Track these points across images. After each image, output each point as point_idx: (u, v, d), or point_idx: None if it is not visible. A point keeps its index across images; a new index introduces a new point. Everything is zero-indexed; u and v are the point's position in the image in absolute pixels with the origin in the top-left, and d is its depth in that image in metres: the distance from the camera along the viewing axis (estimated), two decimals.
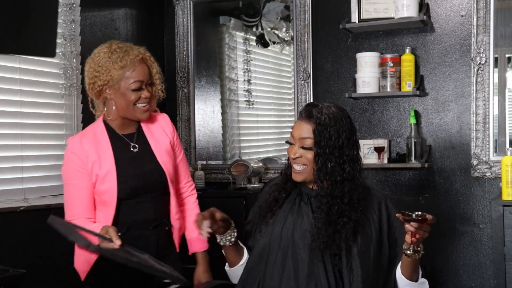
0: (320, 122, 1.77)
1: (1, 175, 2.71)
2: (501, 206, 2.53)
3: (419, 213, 1.61)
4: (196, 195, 2.29)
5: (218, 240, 1.80)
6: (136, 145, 2.05)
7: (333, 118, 1.78)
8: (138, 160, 2.05)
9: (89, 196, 2.00)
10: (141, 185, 2.01)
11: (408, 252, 1.66)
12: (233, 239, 1.81)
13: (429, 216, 1.61)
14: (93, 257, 2.04)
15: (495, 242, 2.55)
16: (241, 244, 1.91)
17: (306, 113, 1.81)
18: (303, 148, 1.80)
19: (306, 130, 1.80)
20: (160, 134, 2.11)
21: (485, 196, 2.99)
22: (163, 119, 2.18)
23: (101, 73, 1.99)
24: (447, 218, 3.06)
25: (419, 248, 1.66)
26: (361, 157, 1.87)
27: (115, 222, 1.98)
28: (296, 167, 1.83)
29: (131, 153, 2.03)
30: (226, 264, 1.93)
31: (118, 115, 2.04)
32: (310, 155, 1.79)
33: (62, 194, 2.93)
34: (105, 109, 2.06)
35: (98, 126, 2.07)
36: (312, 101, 3.33)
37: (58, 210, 2.91)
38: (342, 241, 1.74)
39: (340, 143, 1.77)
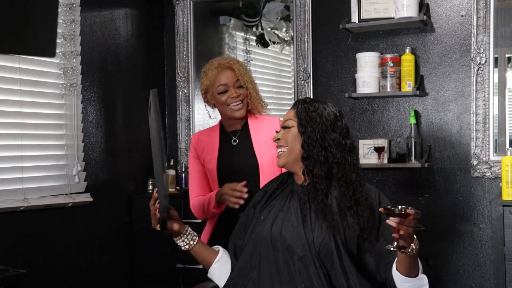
0: (302, 107, 1.86)
1: (1, 175, 2.71)
2: (501, 206, 2.53)
3: (402, 207, 1.54)
4: None
5: (178, 243, 1.86)
6: (237, 139, 2.43)
7: (317, 106, 1.86)
8: (236, 150, 2.43)
9: (202, 178, 2.45)
10: (235, 169, 2.38)
11: (392, 248, 1.59)
12: (195, 238, 1.86)
13: (410, 211, 1.54)
14: (210, 228, 2.43)
15: (495, 242, 2.55)
16: (217, 246, 1.95)
17: (293, 103, 1.93)
18: (284, 128, 1.87)
19: (290, 114, 1.89)
20: (264, 130, 2.43)
21: (485, 196, 2.99)
22: (272, 119, 2.47)
23: (202, 85, 2.45)
24: (447, 218, 3.06)
25: (404, 245, 1.58)
26: (355, 151, 1.87)
27: None
28: (278, 150, 1.89)
29: (230, 145, 2.43)
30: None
31: (224, 116, 2.45)
32: (289, 136, 1.85)
33: (62, 194, 2.98)
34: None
35: (216, 125, 2.53)
36: None
37: (58, 210, 2.93)
38: (330, 240, 1.74)
39: (321, 128, 1.82)
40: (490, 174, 2.96)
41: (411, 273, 1.68)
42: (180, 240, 1.85)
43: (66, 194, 2.99)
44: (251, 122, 2.46)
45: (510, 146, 2.96)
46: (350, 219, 1.78)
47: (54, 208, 2.91)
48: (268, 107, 2.54)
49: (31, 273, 2.34)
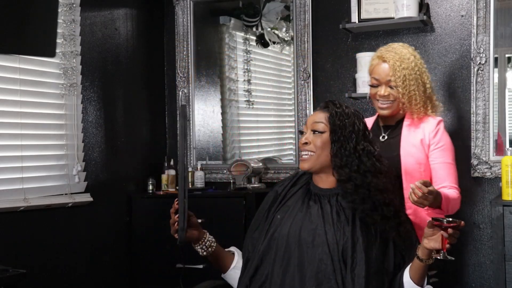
0: (335, 112, 1.84)
1: (1, 175, 2.70)
2: (501, 206, 2.53)
3: (450, 219, 1.64)
4: (453, 190, 2.24)
5: (197, 249, 1.87)
6: (385, 135, 2.26)
7: (349, 113, 1.85)
8: (382, 147, 2.17)
9: None
10: None
11: (439, 257, 1.67)
12: (213, 244, 1.87)
13: (462, 223, 1.65)
14: None
15: (495, 242, 2.55)
16: (232, 249, 1.95)
17: (324, 104, 1.90)
18: (314, 132, 1.84)
19: (320, 116, 1.86)
20: (416, 130, 2.23)
21: (485, 196, 2.99)
22: (431, 121, 2.27)
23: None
24: None
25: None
26: (381, 158, 1.89)
27: None
28: (303, 153, 1.86)
29: (378, 141, 2.26)
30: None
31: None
32: (319, 141, 1.83)
33: (62, 194, 2.97)
34: None
35: (374, 117, 2.38)
36: (312, 101, 3.33)
37: (58, 210, 2.93)
38: (349, 242, 1.75)
39: (354, 136, 1.82)
40: (490, 174, 2.96)
41: (420, 282, 1.75)
42: (199, 247, 1.85)
43: (66, 194, 2.99)
44: (407, 121, 2.26)
45: (510, 146, 2.96)
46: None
47: (54, 208, 2.91)
48: (441, 109, 2.34)
49: (31, 273, 2.34)
